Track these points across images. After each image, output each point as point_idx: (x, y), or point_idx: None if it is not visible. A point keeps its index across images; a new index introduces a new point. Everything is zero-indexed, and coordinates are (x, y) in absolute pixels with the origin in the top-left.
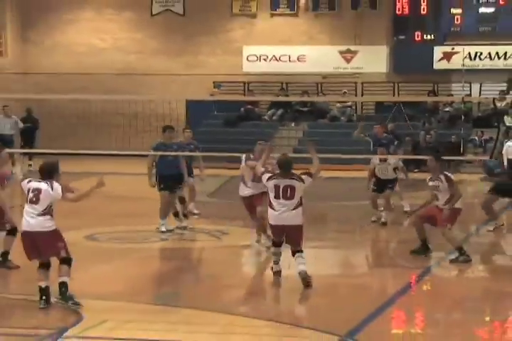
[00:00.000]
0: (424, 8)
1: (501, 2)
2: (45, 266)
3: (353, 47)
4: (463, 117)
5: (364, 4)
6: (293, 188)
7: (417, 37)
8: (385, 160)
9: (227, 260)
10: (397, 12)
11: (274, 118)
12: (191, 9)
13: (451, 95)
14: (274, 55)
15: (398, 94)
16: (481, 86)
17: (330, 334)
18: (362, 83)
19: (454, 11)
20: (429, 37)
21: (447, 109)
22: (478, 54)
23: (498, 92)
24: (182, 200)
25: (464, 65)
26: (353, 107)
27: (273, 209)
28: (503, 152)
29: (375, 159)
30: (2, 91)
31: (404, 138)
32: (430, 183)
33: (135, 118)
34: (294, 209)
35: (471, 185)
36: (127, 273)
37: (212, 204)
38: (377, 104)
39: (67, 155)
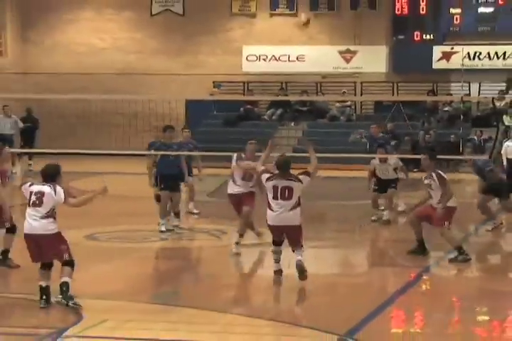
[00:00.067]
0: (423, 8)
1: (500, 2)
2: (46, 266)
3: (352, 47)
4: (462, 117)
5: (363, 4)
6: (291, 189)
7: (417, 37)
8: (385, 161)
9: (227, 259)
10: (396, 12)
11: (274, 117)
12: (191, 9)
13: (451, 95)
14: (273, 55)
15: (397, 93)
16: (480, 85)
17: (329, 334)
18: (361, 83)
19: (453, 10)
20: (428, 37)
21: (446, 109)
22: (478, 54)
23: (497, 92)
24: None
25: (463, 64)
26: (353, 107)
27: (271, 209)
28: (502, 152)
29: (375, 160)
30: (2, 91)
31: (403, 137)
32: (425, 181)
33: (135, 118)
34: (291, 209)
35: (469, 185)
36: (127, 272)
37: (212, 203)
38: (376, 103)
39: (67, 154)
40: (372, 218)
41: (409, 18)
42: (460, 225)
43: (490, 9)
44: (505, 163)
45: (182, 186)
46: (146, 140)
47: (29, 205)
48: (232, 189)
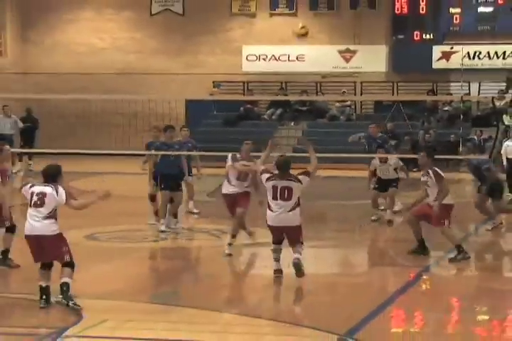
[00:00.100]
0: (423, 8)
1: (500, 1)
2: (46, 266)
3: (352, 47)
4: (462, 116)
5: (363, 4)
6: (290, 189)
7: (416, 36)
8: (386, 161)
9: (227, 259)
10: (396, 11)
11: (274, 117)
12: (191, 9)
13: (450, 94)
14: (273, 55)
15: (397, 93)
16: (479, 85)
17: (330, 333)
18: (361, 82)
19: (452, 10)
20: (428, 36)
21: (446, 108)
22: (477, 53)
23: (497, 91)
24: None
25: (462, 64)
26: (352, 106)
27: (271, 210)
28: (502, 151)
29: (376, 160)
30: (2, 91)
31: (403, 137)
32: (422, 179)
33: (135, 118)
34: (291, 210)
35: (469, 185)
36: (127, 272)
37: (212, 203)
38: (376, 103)
39: (67, 154)
40: (372, 218)
41: (409, 18)
42: (460, 225)
43: (490, 9)
44: (505, 162)
45: (183, 186)
46: (146, 140)
47: (30, 206)
48: (227, 189)
